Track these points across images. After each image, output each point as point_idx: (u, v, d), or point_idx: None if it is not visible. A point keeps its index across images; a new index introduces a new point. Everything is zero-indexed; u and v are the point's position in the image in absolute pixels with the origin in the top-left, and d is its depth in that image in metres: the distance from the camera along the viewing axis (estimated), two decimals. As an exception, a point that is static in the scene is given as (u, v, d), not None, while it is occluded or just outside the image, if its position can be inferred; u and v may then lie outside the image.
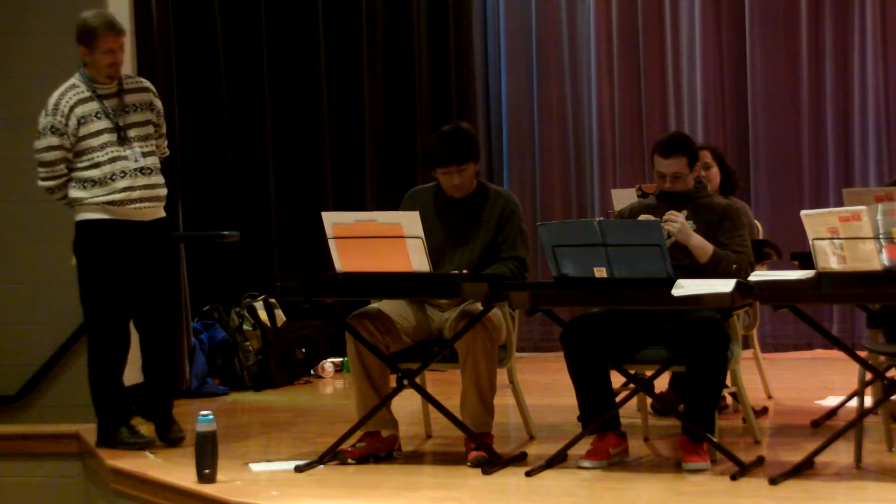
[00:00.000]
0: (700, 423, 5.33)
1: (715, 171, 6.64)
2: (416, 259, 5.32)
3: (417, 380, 5.67)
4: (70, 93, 5.87)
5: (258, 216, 8.82)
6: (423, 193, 5.93)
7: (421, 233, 5.28)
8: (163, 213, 6.05)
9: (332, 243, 5.43)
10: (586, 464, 5.41)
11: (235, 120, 8.71)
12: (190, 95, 8.32)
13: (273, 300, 8.37)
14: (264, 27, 8.82)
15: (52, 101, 5.87)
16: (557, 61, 9.74)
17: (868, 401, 5.61)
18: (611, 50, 9.61)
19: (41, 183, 5.91)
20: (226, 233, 7.49)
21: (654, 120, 9.51)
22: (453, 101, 9.64)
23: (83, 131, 5.84)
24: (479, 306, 5.52)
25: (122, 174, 5.85)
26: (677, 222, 5.56)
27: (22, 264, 7.12)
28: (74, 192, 5.88)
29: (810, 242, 4.89)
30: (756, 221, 6.94)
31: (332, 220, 5.42)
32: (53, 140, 5.82)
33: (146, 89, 6.04)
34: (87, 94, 5.87)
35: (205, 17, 8.51)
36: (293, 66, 9.01)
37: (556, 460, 5.42)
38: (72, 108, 5.83)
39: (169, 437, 6.08)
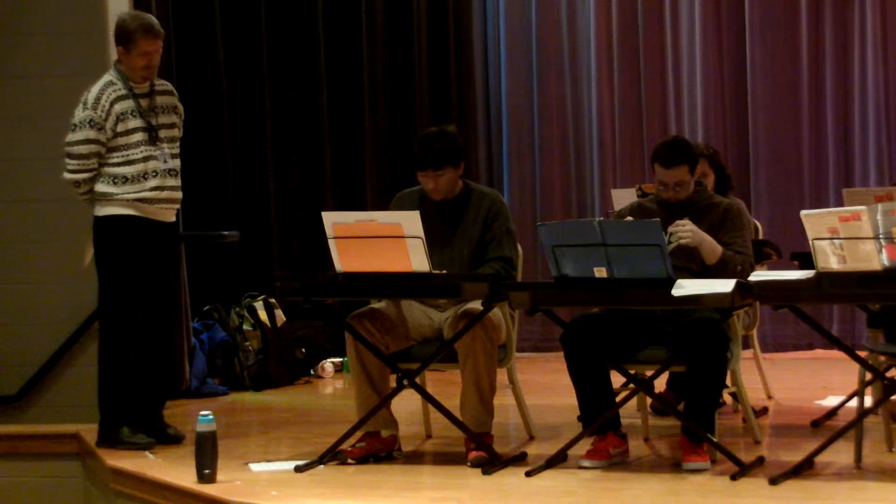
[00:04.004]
0: (700, 423, 5.33)
1: (710, 179, 6.62)
2: (416, 259, 5.32)
3: (417, 380, 5.67)
4: (109, 89, 5.93)
5: (258, 216, 8.83)
6: (409, 197, 5.92)
7: (421, 233, 5.28)
8: (175, 217, 6.16)
9: (332, 243, 5.43)
10: (586, 464, 5.41)
11: (235, 120, 8.71)
12: (190, 95, 8.27)
13: (273, 300, 8.37)
14: (264, 27, 8.82)
15: (91, 95, 5.92)
16: (557, 61, 9.74)
17: (868, 401, 5.61)
18: (611, 50, 9.61)
19: (69, 175, 5.94)
20: (226, 233, 7.49)
21: (654, 120, 9.51)
22: (453, 101, 9.64)
23: (120, 128, 5.91)
24: (478, 306, 5.51)
25: (154, 174, 5.94)
26: (687, 231, 5.54)
27: (22, 264, 7.13)
28: (102, 187, 5.94)
29: (810, 242, 4.89)
30: (756, 222, 6.93)
31: (332, 220, 5.42)
32: (91, 133, 5.88)
33: (172, 93, 6.14)
34: (124, 91, 5.94)
35: (205, 17, 8.51)
36: (293, 66, 9.01)
37: (556, 460, 5.42)
38: (112, 104, 5.90)
39: (168, 434, 6.09)
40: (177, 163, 6.06)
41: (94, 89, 5.94)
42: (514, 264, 5.78)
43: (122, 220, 5.94)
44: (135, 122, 5.94)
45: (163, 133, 6.01)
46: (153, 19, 5.99)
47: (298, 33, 9.03)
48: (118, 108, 5.91)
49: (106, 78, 6.00)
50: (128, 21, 5.95)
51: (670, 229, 5.55)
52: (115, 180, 5.93)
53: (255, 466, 5.59)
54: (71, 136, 5.91)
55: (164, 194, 5.98)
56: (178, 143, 6.10)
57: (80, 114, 5.91)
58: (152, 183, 5.94)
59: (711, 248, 5.58)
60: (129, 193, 5.92)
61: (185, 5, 8.32)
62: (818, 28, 9.27)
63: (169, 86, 6.16)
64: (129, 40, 5.88)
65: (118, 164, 5.93)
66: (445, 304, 5.82)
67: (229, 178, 8.66)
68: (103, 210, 5.97)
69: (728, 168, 6.99)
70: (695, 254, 5.58)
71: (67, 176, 5.95)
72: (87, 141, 5.89)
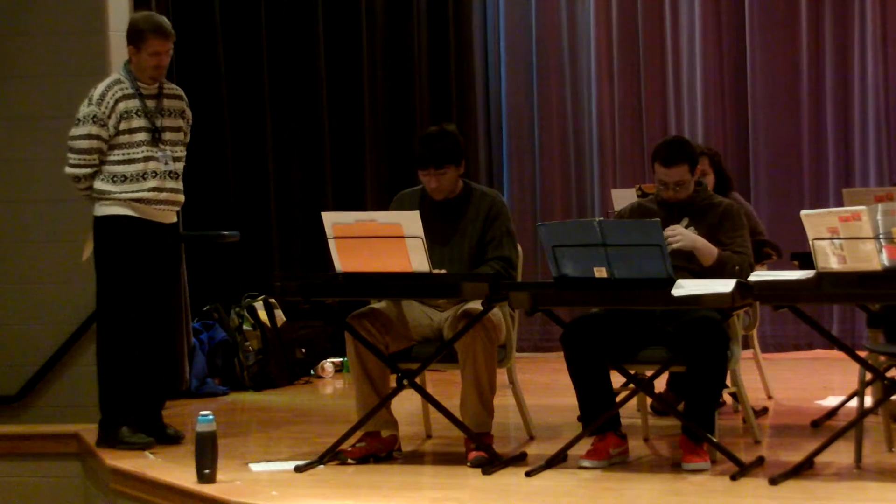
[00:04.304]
0: (700, 423, 5.33)
1: (710, 178, 6.62)
2: (416, 259, 5.32)
3: (417, 380, 5.67)
4: (116, 87, 5.98)
5: (258, 216, 8.83)
6: (409, 196, 5.93)
7: (421, 233, 5.28)
8: (176, 218, 6.19)
9: (332, 243, 5.43)
10: (586, 464, 5.41)
11: (235, 120, 8.71)
12: (190, 95, 8.25)
13: (273, 300, 8.37)
14: (264, 27, 8.82)
15: (97, 91, 5.96)
16: (557, 61, 9.75)
17: (868, 401, 5.61)
18: (611, 50, 9.62)
19: (70, 170, 5.98)
20: (226, 233, 7.49)
21: (654, 120, 9.51)
22: (453, 101, 9.65)
23: (123, 126, 5.95)
24: (478, 306, 5.52)
25: (154, 174, 5.97)
26: (677, 236, 5.54)
27: (22, 264, 7.12)
28: (101, 185, 5.97)
29: (810, 242, 4.90)
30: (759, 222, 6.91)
31: (332, 220, 5.42)
32: (93, 129, 5.92)
33: (181, 97, 6.19)
34: (131, 90, 5.98)
35: (205, 17, 8.51)
36: (293, 66, 9.01)
37: (556, 460, 5.42)
38: (116, 102, 5.95)
39: (167, 434, 6.10)
40: (179, 166, 6.09)
41: (101, 86, 5.98)
42: (513, 264, 5.78)
43: (121, 221, 5.96)
44: (139, 122, 5.96)
45: (167, 136, 6.04)
46: (165, 20, 6.05)
47: (298, 33, 9.02)
48: (122, 106, 5.94)
49: (114, 76, 6.05)
50: (140, 21, 6.03)
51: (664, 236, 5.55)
52: (115, 178, 5.95)
53: (255, 466, 5.58)
54: (74, 131, 5.96)
55: (163, 196, 6.00)
56: (182, 147, 6.12)
57: (84, 109, 5.95)
58: (151, 183, 5.96)
59: (706, 250, 5.57)
60: (126, 193, 5.94)
61: (186, 6, 8.31)
62: (818, 28, 9.27)
63: (179, 90, 6.20)
64: (141, 39, 5.93)
65: (118, 163, 5.95)
66: (445, 304, 5.82)
67: (229, 178, 8.65)
68: (102, 210, 5.99)
69: (728, 169, 6.98)
70: (693, 255, 5.59)
71: (68, 170, 5.99)
72: (89, 136, 5.92)
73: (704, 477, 5.22)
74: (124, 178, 5.94)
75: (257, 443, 6.48)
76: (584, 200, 9.70)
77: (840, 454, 5.43)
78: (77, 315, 6.95)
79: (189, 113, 6.21)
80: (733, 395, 6.16)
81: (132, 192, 5.94)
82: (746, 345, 6.57)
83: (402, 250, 5.33)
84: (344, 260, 5.44)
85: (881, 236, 4.77)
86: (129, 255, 5.97)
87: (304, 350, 8.58)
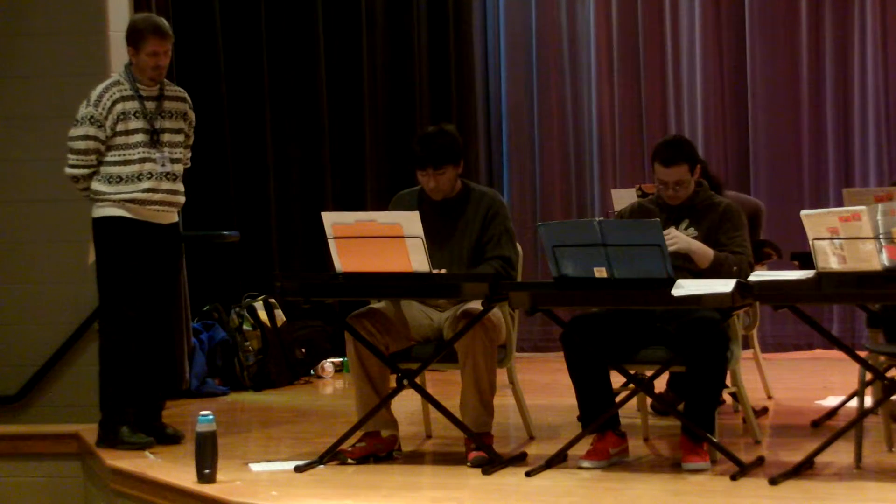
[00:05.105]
0: (700, 423, 5.33)
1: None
2: (416, 259, 5.32)
3: (417, 380, 5.67)
4: (114, 88, 5.99)
5: (258, 216, 8.83)
6: (408, 196, 5.93)
7: (421, 233, 5.28)
8: (176, 218, 6.18)
9: (331, 243, 5.43)
10: (586, 464, 5.41)
11: (235, 120, 8.71)
12: (190, 95, 8.28)
13: (273, 300, 8.37)
14: (264, 27, 8.82)
15: (95, 93, 5.98)
16: (557, 61, 9.75)
17: (868, 401, 5.61)
18: (611, 50, 9.62)
19: (69, 170, 6.00)
20: (226, 233, 7.49)
21: (654, 120, 9.52)
22: (453, 102, 9.65)
23: (121, 127, 5.96)
24: (478, 306, 5.51)
25: (149, 175, 5.97)
26: (672, 239, 5.53)
27: (22, 264, 7.13)
28: (97, 186, 5.98)
29: (810, 242, 4.89)
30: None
31: (332, 220, 5.42)
32: (90, 130, 5.93)
33: (183, 99, 6.19)
34: (130, 92, 5.99)
35: (205, 18, 8.52)
36: (293, 67, 9.02)
37: (556, 460, 5.42)
38: (114, 103, 5.96)
39: (166, 434, 6.10)
40: (178, 167, 6.08)
41: (99, 87, 6.00)
42: (513, 263, 5.77)
43: (116, 222, 5.96)
44: (136, 123, 5.97)
45: (166, 137, 6.04)
46: (163, 21, 6.07)
47: (298, 33, 9.03)
48: (120, 107, 5.94)
49: (113, 77, 6.08)
50: (138, 22, 6.06)
51: None
52: (111, 179, 5.95)
53: (255, 466, 5.59)
54: (72, 131, 5.98)
55: (158, 196, 5.99)
56: (182, 149, 6.12)
57: (82, 110, 5.98)
58: (146, 185, 5.96)
59: (702, 252, 5.56)
60: (121, 193, 5.95)
61: (186, 7, 8.32)
62: (818, 28, 9.27)
63: (183, 93, 6.20)
64: (139, 39, 5.94)
65: (115, 164, 5.96)
66: (445, 304, 5.81)
67: (229, 178, 8.66)
68: (98, 211, 6.00)
69: (715, 174, 6.96)
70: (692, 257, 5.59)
71: (68, 171, 6.02)
72: (87, 137, 5.93)
73: (704, 477, 5.22)
74: (120, 179, 5.95)
75: (257, 443, 6.48)
76: (584, 200, 9.70)
77: (840, 454, 5.42)
78: (77, 315, 6.96)
79: (192, 115, 6.22)
80: (733, 395, 6.16)
81: (126, 192, 5.94)
82: (746, 345, 6.57)
83: (402, 250, 5.33)
84: (344, 260, 5.44)
85: (881, 236, 4.77)
86: (125, 256, 5.97)
87: (304, 350, 8.58)
